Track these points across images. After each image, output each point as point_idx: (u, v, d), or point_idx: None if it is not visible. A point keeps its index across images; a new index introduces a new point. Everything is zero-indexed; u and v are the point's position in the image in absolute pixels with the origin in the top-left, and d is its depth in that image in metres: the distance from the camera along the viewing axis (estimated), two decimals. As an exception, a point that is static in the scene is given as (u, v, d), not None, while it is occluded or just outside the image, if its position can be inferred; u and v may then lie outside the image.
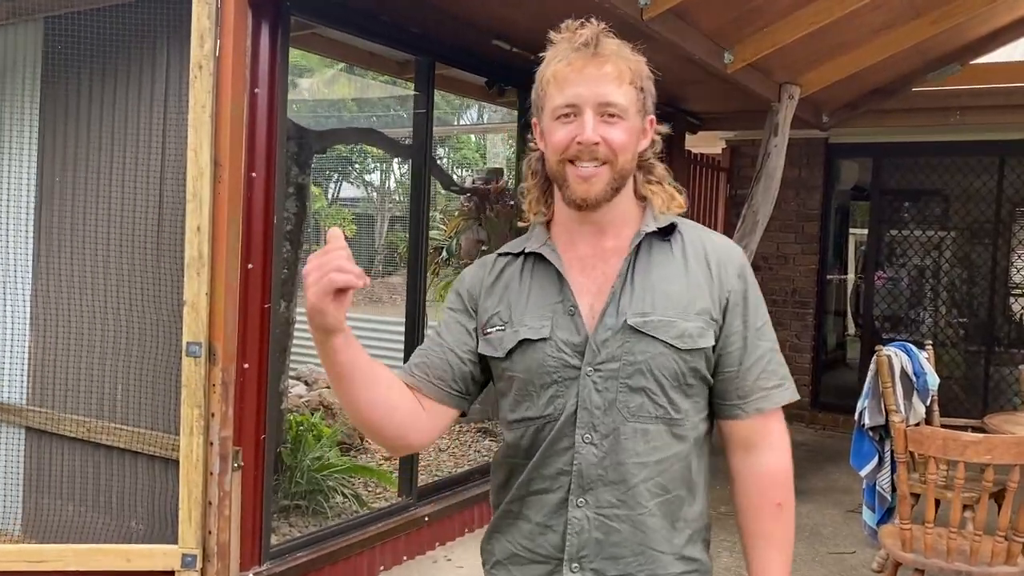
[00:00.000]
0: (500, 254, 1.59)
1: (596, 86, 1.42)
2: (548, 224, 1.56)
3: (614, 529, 1.43)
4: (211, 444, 3.26)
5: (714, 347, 1.47)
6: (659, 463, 1.43)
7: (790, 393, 1.52)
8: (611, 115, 1.42)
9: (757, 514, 1.51)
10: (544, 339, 1.45)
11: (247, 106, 3.33)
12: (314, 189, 15.60)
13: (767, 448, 1.51)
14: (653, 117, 1.52)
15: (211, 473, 3.27)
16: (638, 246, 1.47)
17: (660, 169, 1.56)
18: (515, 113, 5.57)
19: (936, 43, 5.47)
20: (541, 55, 1.49)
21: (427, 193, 4.41)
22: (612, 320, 1.43)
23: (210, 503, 3.28)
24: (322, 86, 12.96)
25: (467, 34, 4.38)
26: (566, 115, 1.43)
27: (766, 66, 5.01)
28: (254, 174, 3.37)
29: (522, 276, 1.53)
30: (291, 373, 7.65)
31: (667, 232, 1.50)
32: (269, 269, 3.46)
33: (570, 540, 1.43)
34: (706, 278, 1.47)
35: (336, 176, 18.26)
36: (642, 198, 1.53)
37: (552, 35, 1.49)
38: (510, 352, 1.48)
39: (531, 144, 1.55)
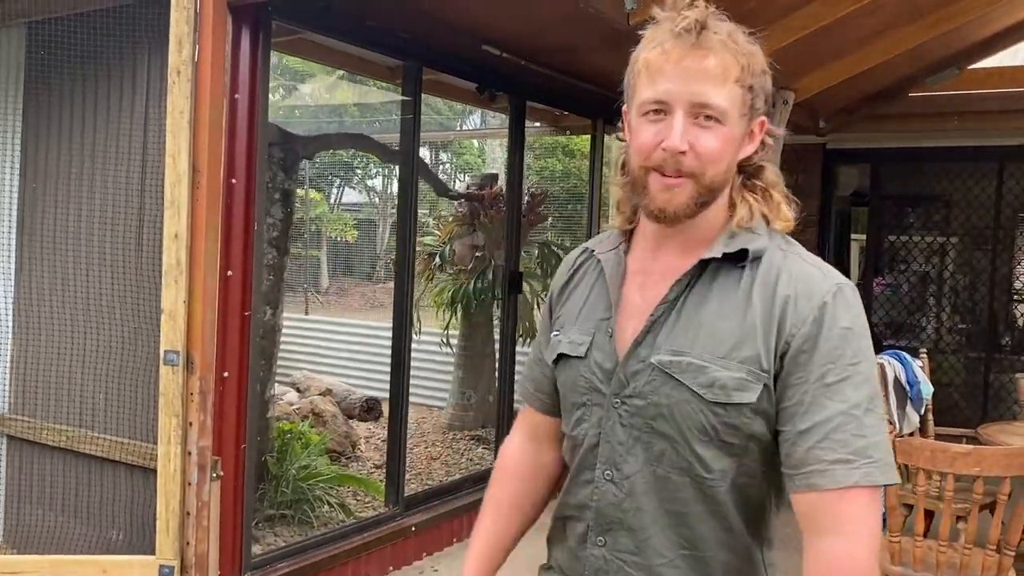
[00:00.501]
0: (583, 250, 1.47)
1: (692, 83, 1.21)
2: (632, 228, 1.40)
3: None
4: (189, 454, 3.22)
5: (775, 401, 1.23)
6: (682, 516, 1.27)
7: (861, 473, 1.16)
8: (707, 117, 1.22)
9: None
10: (580, 357, 1.34)
11: (227, 112, 3.29)
12: (316, 195, 15.65)
13: (830, 532, 1.19)
14: (764, 119, 1.30)
15: (189, 483, 3.23)
16: (701, 270, 1.27)
17: (770, 174, 1.34)
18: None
19: (933, 47, 5.42)
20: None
21: (414, 198, 4.37)
22: (647, 352, 1.27)
23: (188, 513, 3.23)
24: (324, 91, 12.96)
25: (455, 39, 4.34)
26: (655, 111, 1.24)
27: (760, 71, 4.96)
28: (234, 180, 3.33)
29: (590, 277, 1.41)
30: (286, 380, 7.64)
31: (742, 256, 1.26)
32: (250, 276, 3.42)
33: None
34: (765, 317, 1.22)
35: (339, 181, 18.25)
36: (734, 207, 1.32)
37: (656, 12, 1.26)
38: (555, 361, 1.41)
39: (620, 135, 1.38)
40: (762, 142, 1.32)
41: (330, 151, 12.12)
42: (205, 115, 3.19)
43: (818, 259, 1.30)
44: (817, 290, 1.23)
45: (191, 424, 3.22)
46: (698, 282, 1.28)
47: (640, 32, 1.30)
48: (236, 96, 3.32)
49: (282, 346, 8.73)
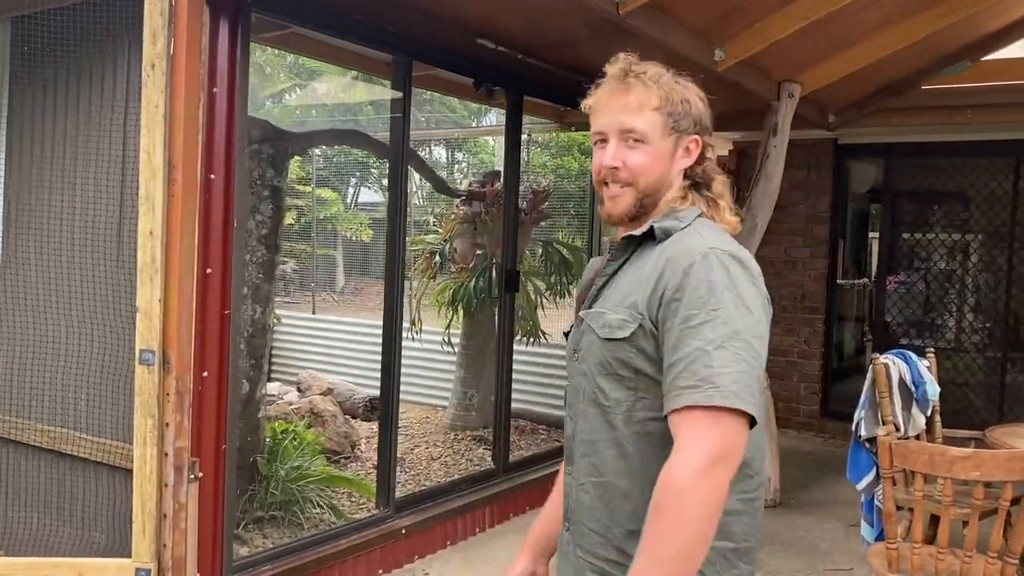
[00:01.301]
0: None
1: (617, 115, 1.57)
2: None
3: (574, 499, 1.62)
4: (165, 455, 3.16)
5: (656, 343, 1.49)
6: (591, 443, 1.57)
7: (701, 396, 1.37)
8: (635, 140, 1.57)
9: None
10: (568, 331, 1.73)
11: (205, 106, 3.22)
12: (331, 194, 15.61)
13: (674, 450, 1.40)
14: (697, 138, 1.60)
15: (165, 485, 3.17)
16: (635, 249, 1.60)
17: (718, 185, 1.64)
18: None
19: (944, 39, 5.25)
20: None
21: (404, 195, 4.29)
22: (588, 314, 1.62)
23: (165, 516, 3.17)
24: (336, 89, 12.93)
25: (448, 32, 4.26)
26: (601, 140, 1.61)
27: (762, 64, 4.83)
28: (212, 176, 3.26)
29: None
30: (291, 379, 7.60)
31: (655, 235, 1.57)
32: (229, 274, 3.35)
33: (564, 501, 1.67)
34: (650, 275, 1.51)
35: (355, 180, 18.23)
36: None
37: (606, 67, 1.63)
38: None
39: None
40: (702, 155, 1.62)
41: (333, 148, 12.06)
42: (181, 109, 3.13)
43: (720, 235, 1.55)
44: (693, 253, 1.48)
45: (167, 425, 3.16)
46: (632, 258, 1.61)
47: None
48: (214, 90, 3.26)
49: (290, 345, 8.73)
